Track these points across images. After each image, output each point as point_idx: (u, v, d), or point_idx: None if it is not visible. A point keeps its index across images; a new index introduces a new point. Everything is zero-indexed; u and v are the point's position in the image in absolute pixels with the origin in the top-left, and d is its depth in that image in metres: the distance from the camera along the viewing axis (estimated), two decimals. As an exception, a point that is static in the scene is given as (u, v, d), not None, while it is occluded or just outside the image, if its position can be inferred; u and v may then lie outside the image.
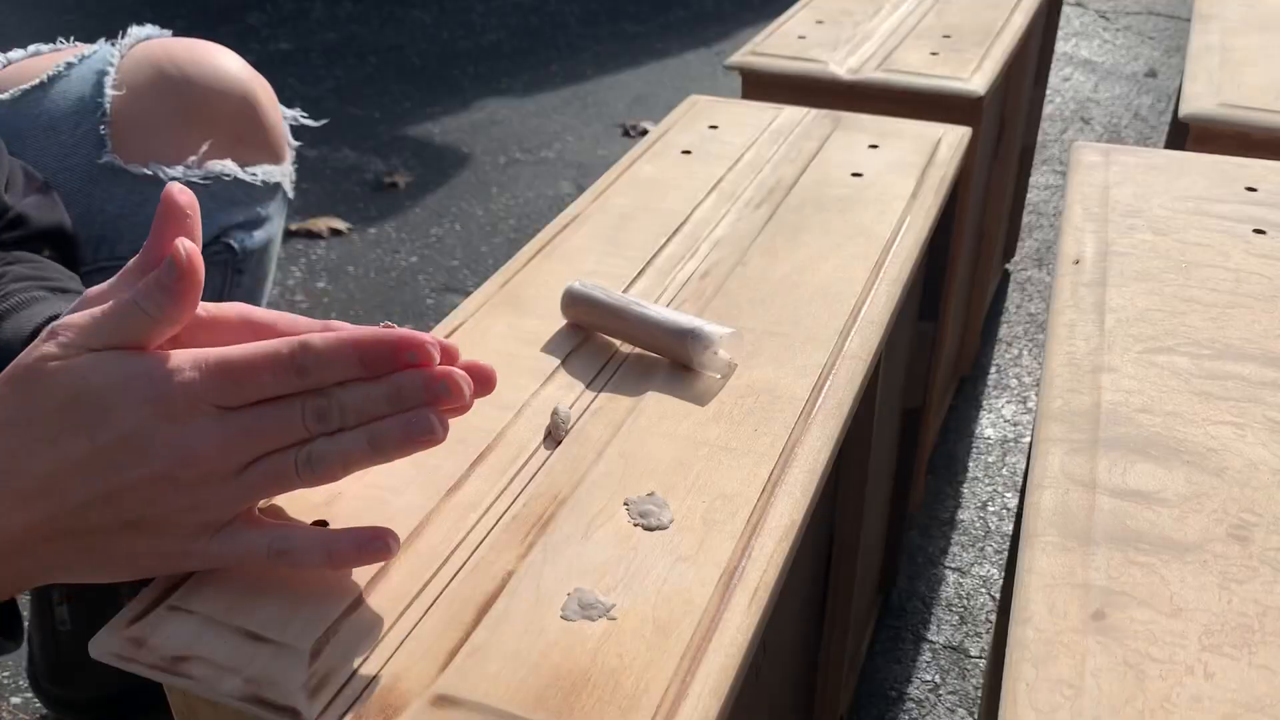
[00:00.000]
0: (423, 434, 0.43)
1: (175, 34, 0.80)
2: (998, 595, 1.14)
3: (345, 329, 0.45)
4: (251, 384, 0.42)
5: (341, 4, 3.05)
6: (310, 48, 2.72)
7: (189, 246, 0.43)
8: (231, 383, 0.42)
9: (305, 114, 0.84)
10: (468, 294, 1.29)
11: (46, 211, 0.68)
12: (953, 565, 1.19)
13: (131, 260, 0.45)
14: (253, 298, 0.83)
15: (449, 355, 0.45)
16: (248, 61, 0.79)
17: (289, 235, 1.87)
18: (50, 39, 0.82)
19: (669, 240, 0.75)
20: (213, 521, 0.44)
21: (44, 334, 0.43)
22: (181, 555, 0.44)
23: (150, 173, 0.73)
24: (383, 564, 0.48)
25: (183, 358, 0.42)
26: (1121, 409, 0.54)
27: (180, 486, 0.42)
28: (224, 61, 0.77)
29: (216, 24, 2.85)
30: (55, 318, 0.54)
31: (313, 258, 1.82)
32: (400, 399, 0.43)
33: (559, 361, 0.62)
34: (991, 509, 1.27)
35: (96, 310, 0.43)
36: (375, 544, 0.44)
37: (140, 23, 0.79)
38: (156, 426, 0.41)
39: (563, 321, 0.65)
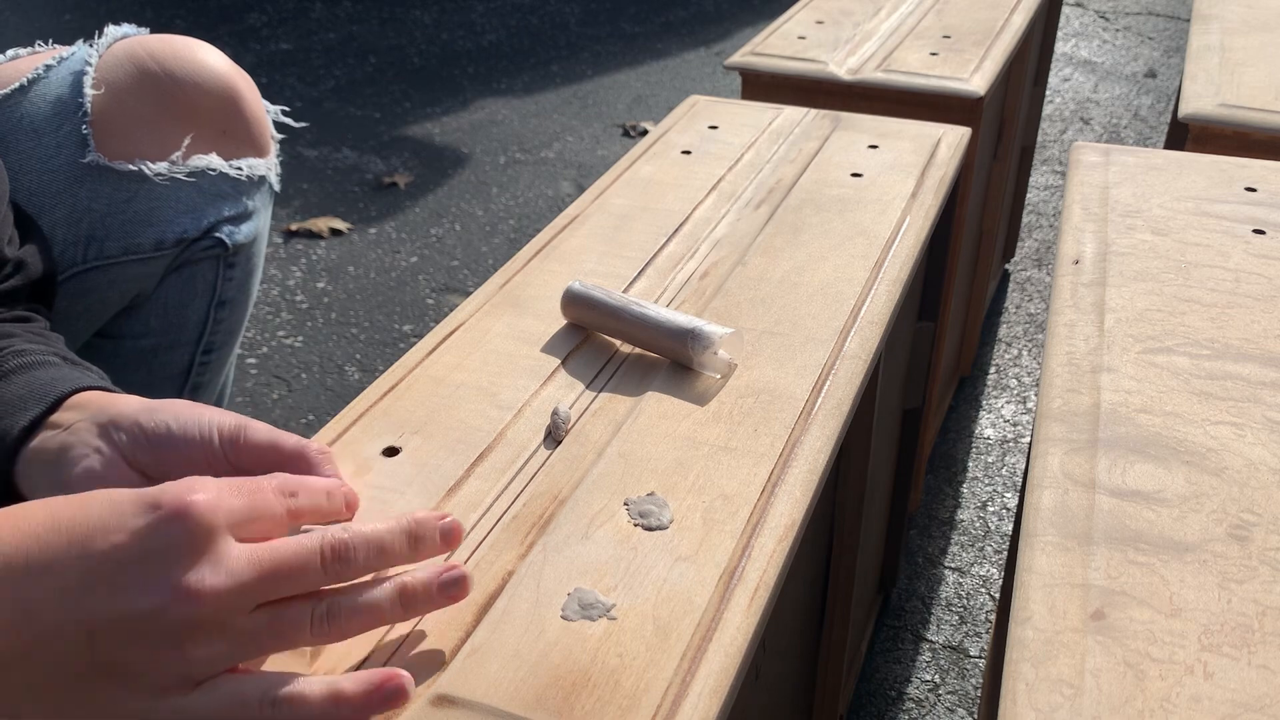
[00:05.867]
0: (458, 590, 0.43)
1: (174, 35, 0.80)
2: (997, 595, 1.14)
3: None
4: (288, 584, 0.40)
5: (341, 4, 3.05)
6: (310, 48, 2.72)
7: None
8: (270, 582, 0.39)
9: (287, 109, 0.84)
10: (468, 294, 1.29)
11: (39, 259, 0.68)
12: (952, 565, 1.19)
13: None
14: (244, 291, 0.82)
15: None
16: (248, 61, 0.79)
17: (289, 235, 1.87)
18: (51, 39, 0.81)
19: (669, 240, 0.75)
20: (195, 675, 0.38)
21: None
22: (150, 714, 0.38)
23: (135, 169, 0.73)
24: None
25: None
26: (1121, 409, 0.54)
27: (169, 628, 0.37)
28: (204, 56, 0.76)
29: (216, 24, 2.85)
30: (77, 390, 0.52)
31: (313, 258, 1.82)
32: (418, 543, 0.43)
33: (559, 361, 0.62)
34: (991, 509, 1.27)
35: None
36: (388, 688, 0.40)
37: (141, 23, 0.79)
38: (159, 559, 0.38)
39: (563, 321, 0.65)
